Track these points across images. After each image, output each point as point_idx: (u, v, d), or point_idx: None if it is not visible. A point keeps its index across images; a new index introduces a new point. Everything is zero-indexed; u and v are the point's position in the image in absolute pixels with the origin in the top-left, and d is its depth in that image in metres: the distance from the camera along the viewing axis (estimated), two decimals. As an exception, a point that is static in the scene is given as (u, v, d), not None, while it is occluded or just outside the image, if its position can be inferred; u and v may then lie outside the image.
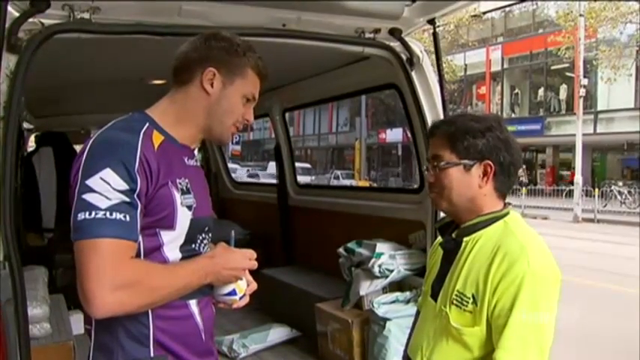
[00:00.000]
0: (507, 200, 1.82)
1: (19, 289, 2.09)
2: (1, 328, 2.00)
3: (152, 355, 1.53)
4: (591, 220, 20.29)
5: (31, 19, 2.22)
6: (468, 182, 1.72)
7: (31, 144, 6.96)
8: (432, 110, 3.19)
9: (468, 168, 1.71)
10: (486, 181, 1.72)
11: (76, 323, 3.67)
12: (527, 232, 1.72)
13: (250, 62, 1.66)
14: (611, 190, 24.06)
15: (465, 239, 1.73)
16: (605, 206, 22.75)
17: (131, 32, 2.46)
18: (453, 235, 1.78)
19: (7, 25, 2.10)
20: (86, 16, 2.32)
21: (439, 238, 1.92)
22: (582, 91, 21.68)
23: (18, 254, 2.11)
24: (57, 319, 3.30)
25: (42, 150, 5.80)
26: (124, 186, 1.42)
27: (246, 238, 5.42)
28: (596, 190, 22.45)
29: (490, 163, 1.70)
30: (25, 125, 5.68)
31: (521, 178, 22.98)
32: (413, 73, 3.18)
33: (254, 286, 1.73)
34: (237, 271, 1.64)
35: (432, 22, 3.02)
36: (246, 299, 1.71)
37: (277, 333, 4.14)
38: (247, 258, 1.65)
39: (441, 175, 1.73)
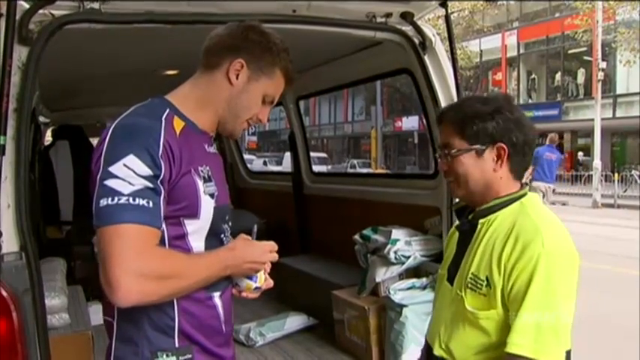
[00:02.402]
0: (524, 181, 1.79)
1: (36, 279, 2.10)
2: (20, 318, 2.01)
3: (177, 345, 1.53)
4: (611, 206, 20.04)
5: (41, 11, 2.22)
6: (481, 167, 1.68)
7: (48, 138, 7.02)
8: (446, 95, 3.15)
9: (480, 153, 1.67)
10: (501, 165, 1.68)
11: (95, 314, 3.71)
12: (543, 213, 1.68)
13: (281, 63, 1.64)
14: (631, 175, 23.71)
15: (480, 221, 1.71)
16: (625, 191, 22.46)
17: (141, 21, 2.45)
18: (469, 217, 1.76)
19: (17, 17, 2.10)
20: (95, 5, 2.31)
21: (457, 222, 1.90)
22: (601, 75, 21.37)
23: (34, 245, 2.12)
24: (75, 309, 3.34)
25: (58, 143, 5.87)
26: (148, 172, 1.40)
27: (263, 227, 5.44)
28: (616, 175, 22.17)
29: (503, 145, 1.67)
30: (42, 119, 5.73)
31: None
32: (426, 57, 3.13)
33: (270, 282, 1.72)
34: (257, 265, 1.63)
35: (444, 4, 2.98)
36: (258, 293, 1.71)
37: (294, 321, 4.15)
38: (268, 251, 1.64)
39: (454, 163, 1.70)
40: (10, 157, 2.09)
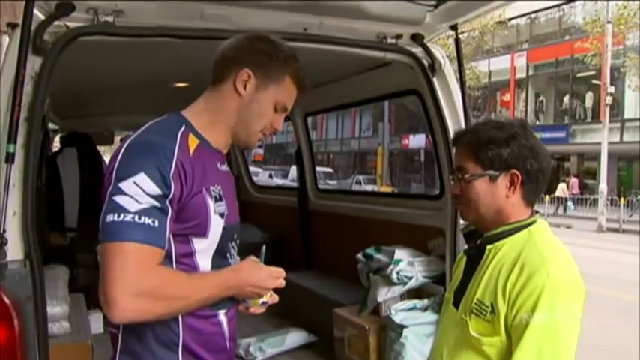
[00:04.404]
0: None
1: (39, 287, 2.11)
2: (21, 325, 2.02)
3: None
4: (616, 230, 19.97)
5: (56, 22, 2.26)
6: (494, 193, 1.68)
7: (56, 144, 7.06)
8: (454, 117, 3.16)
9: (494, 179, 1.68)
10: (514, 191, 1.68)
11: (96, 322, 3.71)
12: (551, 242, 1.68)
13: (289, 70, 1.63)
14: (637, 200, 23.64)
15: (488, 247, 1.71)
16: (630, 216, 22.38)
17: (153, 35, 2.48)
18: (477, 242, 1.76)
19: (32, 28, 2.13)
20: (110, 19, 2.34)
21: (466, 245, 1.90)
22: (609, 99, 21.39)
23: (39, 252, 2.13)
24: (76, 318, 3.33)
25: (66, 151, 5.88)
26: (157, 191, 1.41)
27: (267, 241, 5.44)
28: (622, 199, 22.10)
29: (517, 172, 1.67)
30: (51, 126, 5.76)
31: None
32: (434, 80, 3.15)
33: (275, 298, 1.70)
34: (260, 290, 1.62)
35: (454, 27, 3.01)
36: (264, 308, 1.70)
37: (294, 337, 4.13)
38: (274, 277, 1.63)
39: (467, 188, 1.70)
40: (19, 165, 2.12)
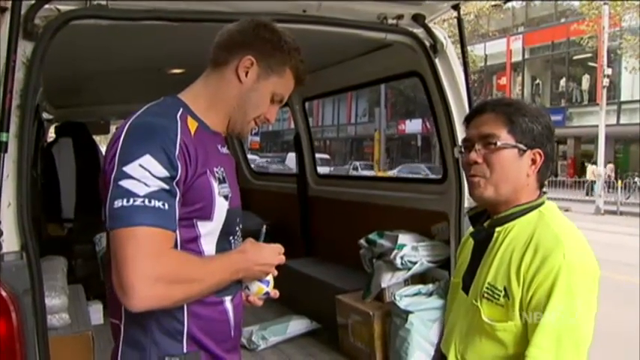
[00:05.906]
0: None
1: (37, 279, 2.06)
2: (19, 319, 1.98)
3: (185, 350, 1.49)
4: (614, 213, 20.01)
5: (47, 6, 2.18)
6: (518, 168, 1.63)
7: (51, 134, 6.99)
8: (456, 98, 3.10)
9: (522, 153, 1.62)
10: (534, 171, 1.64)
11: (95, 313, 3.68)
12: (563, 222, 1.63)
13: (291, 62, 1.61)
14: (634, 182, 23.69)
15: (497, 229, 1.66)
16: (628, 198, 22.44)
17: (148, 18, 2.41)
18: (485, 225, 1.70)
19: (22, 12, 2.06)
20: (102, 2, 2.27)
21: (470, 228, 1.84)
22: (605, 81, 21.35)
23: (35, 244, 2.09)
24: (76, 309, 3.29)
25: (61, 140, 5.84)
26: (164, 173, 1.36)
27: (266, 228, 5.38)
28: (619, 182, 22.14)
29: (540, 151, 1.63)
30: (45, 116, 5.69)
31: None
32: (436, 61, 3.09)
33: (276, 292, 1.70)
34: (267, 267, 1.61)
35: (456, 7, 2.94)
36: (262, 301, 1.70)
37: (297, 325, 4.09)
38: (277, 253, 1.62)
39: (493, 156, 1.62)
40: (13, 154, 2.06)
